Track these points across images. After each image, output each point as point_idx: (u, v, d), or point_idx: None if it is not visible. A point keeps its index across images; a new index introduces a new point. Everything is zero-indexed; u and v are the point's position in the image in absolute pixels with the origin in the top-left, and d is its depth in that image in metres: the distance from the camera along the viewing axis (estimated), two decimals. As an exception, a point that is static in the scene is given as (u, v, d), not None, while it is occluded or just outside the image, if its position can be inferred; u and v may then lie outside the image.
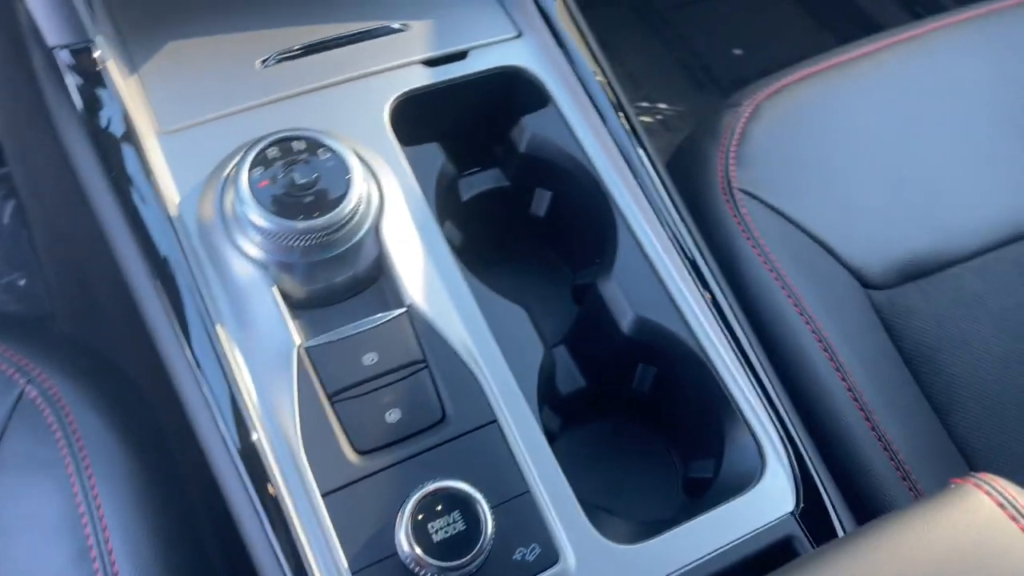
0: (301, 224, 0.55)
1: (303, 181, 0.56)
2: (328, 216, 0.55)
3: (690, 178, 0.77)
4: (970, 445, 0.70)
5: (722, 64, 1.50)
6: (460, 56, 0.69)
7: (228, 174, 0.58)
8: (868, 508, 0.65)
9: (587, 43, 0.71)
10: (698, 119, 0.86)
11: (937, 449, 0.69)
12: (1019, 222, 0.81)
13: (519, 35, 0.71)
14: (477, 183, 0.71)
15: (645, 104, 1.45)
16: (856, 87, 0.83)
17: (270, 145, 0.57)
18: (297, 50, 0.67)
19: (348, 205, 0.56)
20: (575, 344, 0.67)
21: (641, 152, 0.67)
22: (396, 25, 0.69)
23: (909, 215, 0.78)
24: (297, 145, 0.58)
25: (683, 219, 0.66)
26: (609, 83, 0.70)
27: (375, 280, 0.60)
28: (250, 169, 0.56)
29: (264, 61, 0.66)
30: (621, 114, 0.68)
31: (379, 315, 0.57)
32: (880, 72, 0.84)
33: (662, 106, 1.44)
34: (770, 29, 1.55)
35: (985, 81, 0.86)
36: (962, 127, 0.84)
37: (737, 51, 1.52)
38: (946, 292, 0.76)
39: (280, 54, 0.66)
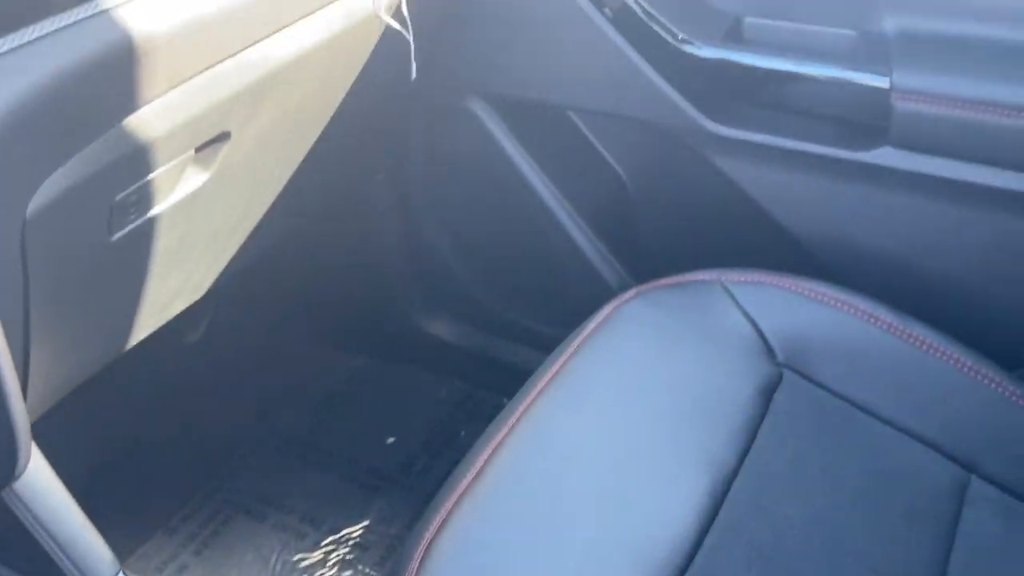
0: None
1: None
2: None
3: None
4: None
5: (381, 456, 1.50)
6: None
7: None
8: None
9: None
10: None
11: None
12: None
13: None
14: None
15: (332, 538, 1.38)
16: (499, 500, 0.83)
17: None
18: None
19: None
20: None
21: None
22: None
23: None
24: None
25: None
26: None
27: None
28: None
29: None
30: None
31: None
32: (509, 466, 0.86)
33: (347, 531, 1.39)
34: (408, 406, 1.59)
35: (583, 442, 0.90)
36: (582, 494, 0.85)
37: (390, 440, 1.53)
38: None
39: None
